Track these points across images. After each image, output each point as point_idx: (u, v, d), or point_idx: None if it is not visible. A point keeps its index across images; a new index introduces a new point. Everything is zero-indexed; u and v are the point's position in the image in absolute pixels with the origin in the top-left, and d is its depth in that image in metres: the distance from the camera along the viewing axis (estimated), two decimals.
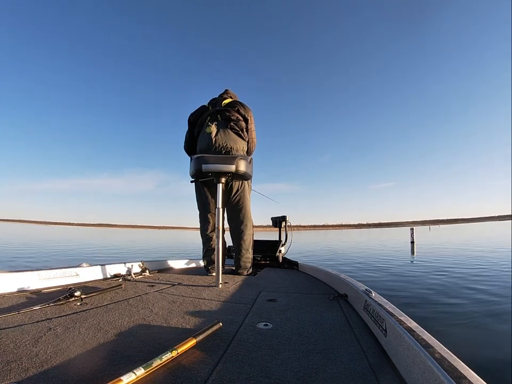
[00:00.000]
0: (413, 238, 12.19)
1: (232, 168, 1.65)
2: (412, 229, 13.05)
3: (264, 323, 0.98)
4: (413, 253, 8.65)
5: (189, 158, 1.96)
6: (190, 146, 2.13)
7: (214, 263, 1.94)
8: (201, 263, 2.39)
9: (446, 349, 0.57)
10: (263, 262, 2.58)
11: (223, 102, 2.05)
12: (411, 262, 6.61)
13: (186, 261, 2.55)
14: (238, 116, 1.98)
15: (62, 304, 1.12)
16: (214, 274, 1.86)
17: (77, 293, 1.17)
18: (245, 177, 1.86)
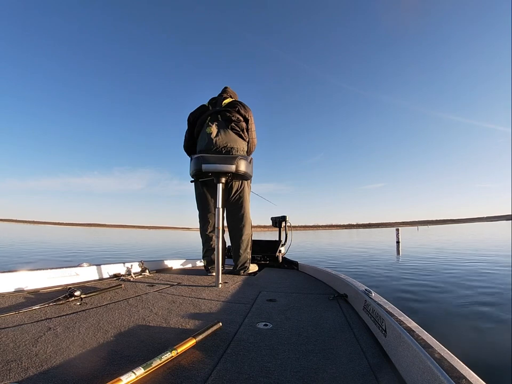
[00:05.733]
0: (398, 238, 12.57)
1: (232, 168, 1.65)
2: (397, 229, 13.38)
3: (264, 323, 0.98)
4: (398, 252, 8.91)
5: (188, 157, 1.96)
6: (190, 146, 2.13)
7: (214, 263, 1.94)
8: (201, 263, 2.39)
9: (445, 349, 0.57)
10: (262, 262, 2.58)
11: (223, 102, 2.04)
12: (396, 261, 6.88)
13: (186, 260, 2.55)
14: (239, 116, 1.98)
15: (61, 303, 1.12)
16: (213, 274, 1.86)
17: (77, 293, 1.17)
18: (245, 177, 1.86)
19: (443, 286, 3.67)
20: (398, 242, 12.17)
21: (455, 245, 10.89)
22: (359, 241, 17.44)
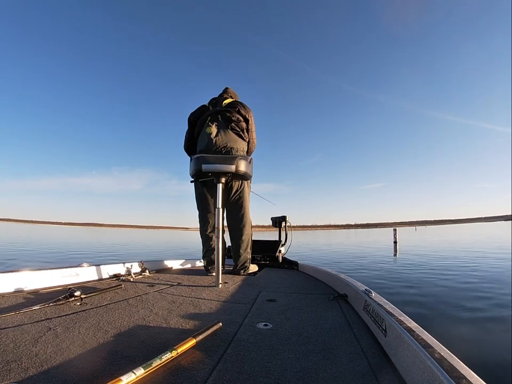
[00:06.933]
0: (396, 238, 12.77)
1: (232, 168, 1.65)
2: (395, 230, 13.61)
3: (264, 323, 0.98)
4: (395, 253, 9.07)
5: (188, 157, 1.96)
6: (190, 146, 2.13)
7: (214, 263, 1.94)
8: (201, 263, 2.39)
9: (445, 349, 0.57)
10: (262, 262, 2.58)
11: (224, 102, 2.04)
12: (393, 261, 7.01)
13: (186, 261, 2.55)
14: (239, 116, 1.98)
15: (61, 304, 1.11)
16: (213, 274, 1.86)
17: (77, 293, 1.17)
18: (245, 177, 1.86)
19: (440, 286, 3.70)
20: (395, 242, 12.35)
21: (452, 245, 11.03)
22: (356, 241, 17.57)
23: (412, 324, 0.71)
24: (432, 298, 3.07)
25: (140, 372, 0.57)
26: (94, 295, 1.28)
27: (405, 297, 3.17)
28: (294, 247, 2.81)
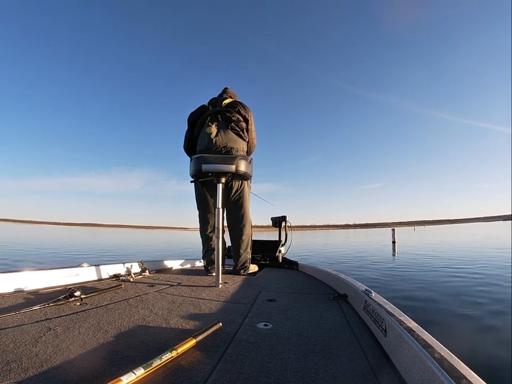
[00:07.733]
0: (394, 238, 12.89)
1: (232, 168, 1.65)
2: (393, 230, 13.76)
3: (264, 323, 0.98)
4: (394, 252, 9.21)
5: (188, 157, 1.96)
6: (190, 146, 2.13)
7: (214, 263, 1.94)
8: (201, 263, 2.39)
9: (446, 349, 0.57)
10: (262, 262, 2.58)
11: (224, 102, 2.04)
12: (392, 260, 7.13)
13: (186, 261, 2.55)
14: (239, 116, 1.98)
15: (61, 304, 1.11)
16: (213, 274, 1.86)
17: (77, 293, 1.17)
18: (245, 177, 1.86)
19: (438, 285, 3.71)
20: (394, 242, 12.48)
21: (450, 245, 11.13)
22: (355, 241, 17.64)
23: (412, 324, 0.71)
24: (430, 298, 3.08)
25: (140, 372, 0.57)
26: (94, 295, 1.28)
27: (403, 297, 3.17)
28: (293, 247, 2.81)
